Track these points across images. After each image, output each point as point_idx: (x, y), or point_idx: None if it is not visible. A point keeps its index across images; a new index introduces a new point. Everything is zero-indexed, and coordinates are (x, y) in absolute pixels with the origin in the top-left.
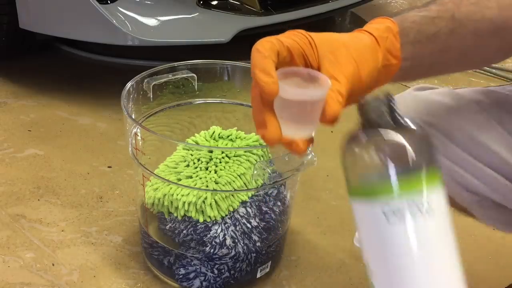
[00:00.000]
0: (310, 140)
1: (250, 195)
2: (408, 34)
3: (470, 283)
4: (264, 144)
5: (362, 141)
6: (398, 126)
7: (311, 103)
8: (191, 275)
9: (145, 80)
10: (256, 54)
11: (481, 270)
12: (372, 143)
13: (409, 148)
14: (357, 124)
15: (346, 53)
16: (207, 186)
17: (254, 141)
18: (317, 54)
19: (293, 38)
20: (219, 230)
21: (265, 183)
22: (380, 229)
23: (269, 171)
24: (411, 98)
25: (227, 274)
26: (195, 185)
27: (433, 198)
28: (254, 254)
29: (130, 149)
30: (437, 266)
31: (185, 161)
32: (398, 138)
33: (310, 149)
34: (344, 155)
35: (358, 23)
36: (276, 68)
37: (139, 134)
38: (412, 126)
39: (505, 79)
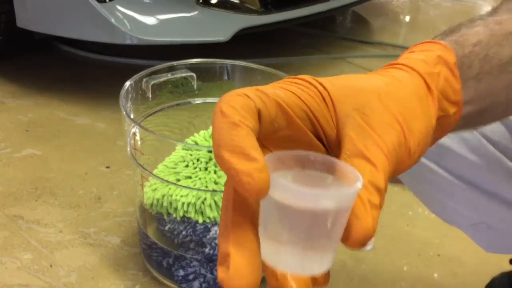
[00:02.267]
0: (326, 279)
1: None
2: (471, 64)
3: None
4: None
5: None
6: None
7: (329, 215)
8: (191, 277)
9: (144, 80)
10: (220, 120)
11: (483, 273)
12: None
13: None
14: None
15: (383, 109)
16: (206, 187)
17: None
18: (335, 114)
19: (290, 88)
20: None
21: None
22: None
23: None
24: None
25: None
26: (195, 185)
27: None
28: None
29: (128, 149)
30: None
31: (184, 161)
32: None
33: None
34: None
35: (359, 22)
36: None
37: (137, 134)
38: None
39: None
